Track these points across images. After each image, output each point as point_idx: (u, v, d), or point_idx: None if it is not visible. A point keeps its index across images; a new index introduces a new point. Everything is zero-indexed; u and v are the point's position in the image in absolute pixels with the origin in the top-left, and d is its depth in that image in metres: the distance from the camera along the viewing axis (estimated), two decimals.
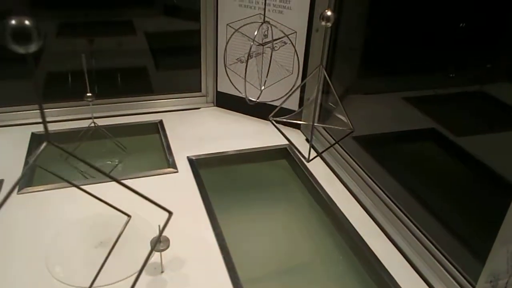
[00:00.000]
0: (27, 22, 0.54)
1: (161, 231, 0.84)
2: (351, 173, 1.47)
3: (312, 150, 1.18)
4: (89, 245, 1.15)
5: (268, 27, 1.59)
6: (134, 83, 1.98)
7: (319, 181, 1.46)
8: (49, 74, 2.00)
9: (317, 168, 1.52)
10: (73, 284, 1.02)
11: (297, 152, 1.50)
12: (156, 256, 1.09)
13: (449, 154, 1.26)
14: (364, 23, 1.61)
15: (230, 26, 1.70)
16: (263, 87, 1.67)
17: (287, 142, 1.65)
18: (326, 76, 1.17)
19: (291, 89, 1.60)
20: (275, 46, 1.64)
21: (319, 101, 1.64)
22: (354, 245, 1.22)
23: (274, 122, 1.24)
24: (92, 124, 1.59)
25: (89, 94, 1.50)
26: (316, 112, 1.66)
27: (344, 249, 1.26)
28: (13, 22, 0.53)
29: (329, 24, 1.06)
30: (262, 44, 1.65)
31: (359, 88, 1.70)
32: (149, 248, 1.01)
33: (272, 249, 1.30)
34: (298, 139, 1.68)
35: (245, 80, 1.56)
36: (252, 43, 1.61)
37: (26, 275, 1.05)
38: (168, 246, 1.03)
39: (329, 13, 1.05)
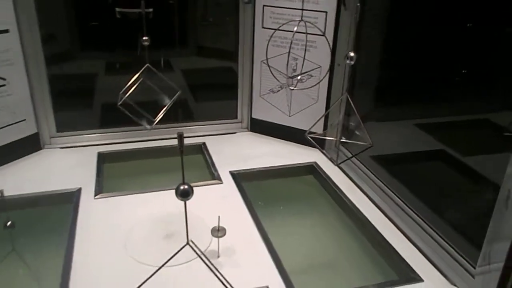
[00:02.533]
0: (187, 187, 1.00)
1: (218, 226, 1.10)
2: (370, 184, 1.72)
3: (322, 156, 1.45)
4: (157, 236, 1.41)
5: (296, 63, 1.89)
6: (179, 112, 2.30)
7: (343, 190, 1.71)
8: (106, 106, 2.34)
9: (340, 180, 1.78)
10: (146, 263, 1.27)
11: (326, 157, 1.76)
12: (214, 244, 1.34)
13: (456, 170, 1.50)
14: (378, 60, 1.91)
15: (263, 63, 2.01)
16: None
17: (313, 160, 1.92)
18: (350, 99, 1.45)
19: (325, 113, 1.87)
20: (302, 79, 1.93)
21: (341, 122, 1.92)
22: (375, 243, 1.46)
23: (309, 137, 1.50)
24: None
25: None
26: (338, 131, 1.93)
27: (366, 246, 1.49)
28: (181, 187, 1.01)
29: (352, 63, 1.35)
30: (291, 77, 1.95)
31: (375, 115, 1.97)
32: (210, 237, 1.28)
33: (306, 247, 1.54)
34: (322, 158, 1.94)
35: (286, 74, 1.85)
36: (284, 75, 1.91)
37: (108, 257, 1.31)
38: (225, 234, 1.29)
39: (352, 54, 1.33)
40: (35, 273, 1.35)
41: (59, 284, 1.20)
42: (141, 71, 1.55)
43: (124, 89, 1.49)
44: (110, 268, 1.26)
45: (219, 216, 1.29)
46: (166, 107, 1.59)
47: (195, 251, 1.06)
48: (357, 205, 1.62)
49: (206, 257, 1.08)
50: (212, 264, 1.07)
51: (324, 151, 1.98)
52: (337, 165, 1.40)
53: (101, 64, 2.55)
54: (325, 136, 1.76)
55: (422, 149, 1.69)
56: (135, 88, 1.49)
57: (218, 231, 1.29)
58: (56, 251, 1.35)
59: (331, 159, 1.45)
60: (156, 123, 2.06)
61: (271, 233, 1.44)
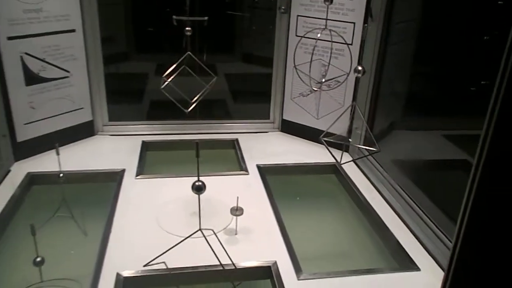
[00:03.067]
0: (201, 183, 1.18)
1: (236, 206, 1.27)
2: (386, 185, 1.83)
3: (345, 158, 1.57)
4: (185, 213, 1.60)
5: (325, 69, 2.04)
6: (218, 111, 2.52)
7: (360, 189, 1.83)
8: (153, 102, 2.60)
9: (359, 180, 1.90)
10: (173, 233, 1.47)
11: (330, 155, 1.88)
12: (232, 223, 1.52)
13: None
14: (405, 71, 2.01)
15: (296, 68, 2.17)
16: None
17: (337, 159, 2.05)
18: (358, 108, 1.58)
19: (334, 121, 2.00)
20: (330, 84, 2.07)
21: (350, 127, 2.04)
22: (384, 238, 1.57)
23: (323, 141, 1.65)
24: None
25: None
26: (361, 136, 2.05)
27: (376, 240, 1.60)
28: (196, 183, 1.18)
29: (359, 75, 1.47)
30: (320, 83, 2.10)
31: (404, 124, 2.08)
32: (230, 217, 1.46)
33: (320, 237, 1.67)
34: (345, 158, 2.06)
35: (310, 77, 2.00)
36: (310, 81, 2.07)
37: (141, 226, 1.51)
38: (242, 213, 1.46)
39: (360, 67, 1.46)
40: (81, 234, 1.59)
41: (100, 243, 1.42)
42: (182, 58, 1.72)
43: (166, 73, 1.68)
44: (142, 235, 1.47)
45: (237, 197, 1.46)
46: (202, 92, 1.76)
47: (205, 237, 1.24)
48: (371, 203, 1.73)
49: (218, 240, 1.26)
50: (222, 245, 1.24)
51: (348, 153, 2.11)
52: (340, 165, 1.53)
53: (152, 65, 2.83)
54: (337, 140, 1.87)
55: (445, 158, 1.77)
56: (176, 74, 1.67)
57: (236, 210, 1.46)
58: (99, 218, 1.58)
59: (335, 159, 1.58)
60: (195, 118, 2.29)
61: (286, 220, 1.59)
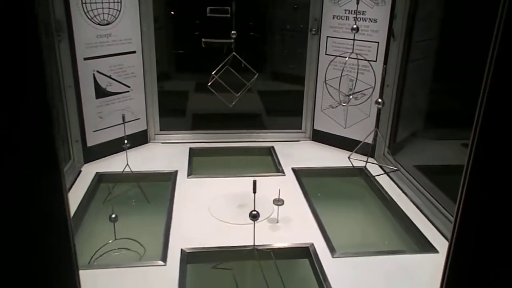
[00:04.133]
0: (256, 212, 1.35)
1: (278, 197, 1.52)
2: (408, 184, 2.05)
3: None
4: (232, 205, 1.86)
5: (353, 83, 2.30)
6: (254, 122, 2.80)
7: (385, 188, 2.05)
8: (195, 115, 2.90)
9: (383, 181, 2.12)
10: (225, 220, 1.73)
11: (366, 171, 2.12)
12: (274, 213, 1.76)
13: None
14: (426, 87, 2.24)
15: (326, 83, 2.44)
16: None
17: (363, 165, 2.28)
18: (379, 134, 1.82)
19: (357, 147, 2.25)
20: (357, 96, 2.32)
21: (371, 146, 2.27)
22: (406, 228, 1.78)
23: (350, 159, 1.89)
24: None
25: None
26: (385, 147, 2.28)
27: (398, 230, 1.82)
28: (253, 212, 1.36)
29: (380, 107, 1.72)
30: (348, 95, 2.35)
31: (424, 134, 2.31)
32: (272, 209, 1.70)
33: (350, 226, 1.90)
34: (370, 164, 2.30)
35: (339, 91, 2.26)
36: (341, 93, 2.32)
37: (196, 216, 1.78)
38: (283, 203, 1.71)
39: (380, 100, 1.71)
40: (146, 225, 1.87)
41: (163, 233, 1.68)
42: (227, 59, 1.99)
43: (214, 72, 1.93)
44: (197, 223, 1.74)
45: (279, 189, 1.72)
46: (245, 88, 2.00)
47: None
48: (395, 199, 1.95)
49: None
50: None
51: (374, 158, 2.34)
52: (373, 177, 1.76)
53: (192, 84, 3.16)
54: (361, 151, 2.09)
55: (461, 163, 1.98)
56: (221, 72, 1.92)
57: (278, 201, 1.72)
58: (161, 209, 1.85)
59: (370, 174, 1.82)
60: (236, 128, 2.57)
61: (319, 212, 1.83)
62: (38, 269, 0.91)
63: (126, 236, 1.74)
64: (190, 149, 2.44)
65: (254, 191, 1.38)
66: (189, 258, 1.52)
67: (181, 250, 1.54)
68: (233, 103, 2.10)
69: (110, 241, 1.73)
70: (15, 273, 0.90)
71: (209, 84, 2.10)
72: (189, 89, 3.17)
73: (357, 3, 2.01)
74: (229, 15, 2.81)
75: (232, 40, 2.04)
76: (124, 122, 1.86)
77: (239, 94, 2.10)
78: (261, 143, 2.58)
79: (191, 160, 2.31)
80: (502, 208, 0.83)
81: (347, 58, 2.05)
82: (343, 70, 2.21)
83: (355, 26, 1.93)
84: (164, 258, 1.50)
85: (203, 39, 2.99)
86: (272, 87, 3.20)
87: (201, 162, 2.35)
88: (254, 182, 1.36)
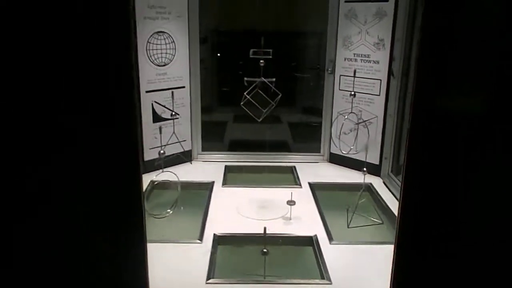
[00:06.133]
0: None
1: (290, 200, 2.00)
2: None
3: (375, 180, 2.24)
4: (256, 207, 2.34)
5: (361, 113, 2.75)
6: (281, 148, 3.29)
7: (386, 202, 2.45)
8: (232, 140, 3.43)
9: (387, 197, 2.52)
10: (250, 217, 2.20)
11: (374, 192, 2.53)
12: (287, 213, 2.22)
13: None
14: None
15: (339, 113, 2.91)
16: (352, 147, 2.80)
17: (370, 182, 2.69)
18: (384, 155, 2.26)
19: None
20: (365, 125, 2.77)
21: (390, 159, 2.68)
22: None
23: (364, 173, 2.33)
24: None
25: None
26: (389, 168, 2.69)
27: (392, 232, 2.20)
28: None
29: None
30: (357, 123, 2.80)
31: None
32: (286, 209, 2.16)
33: (351, 229, 2.31)
34: (377, 181, 2.71)
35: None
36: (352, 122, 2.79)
37: (227, 214, 2.27)
38: (295, 203, 2.17)
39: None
40: (186, 219, 2.37)
41: (201, 222, 2.18)
42: (256, 82, 2.47)
43: (246, 93, 2.42)
44: (228, 220, 2.22)
45: (291, 192, 2.18)
46: (270, 106, 2.47)
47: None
48: (392, 209, 2.35)
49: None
50: None
51: (380, 177, 2.75)
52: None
53: (231, 116, 3.72)
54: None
55: None
56: (252, 93, 2.41)
57: (290, 202, 2.18)
58: (198, 213, 2.35)
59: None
60: (263, 151, 3.07)
61: (326, 215, 2.26)
62: (120, 235, 1.43)
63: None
64: (225, 166, 2.96)
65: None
66: (220, 240, 2.00)
67: (214, 234, 2.03)
68: (261, 118, 2.61)
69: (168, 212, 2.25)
70: (104, 238, 1.44)
71: (242, 103, 2.64)
72: (228, 120, 3.75)
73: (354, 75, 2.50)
74: (270, 57, 3.36)
75: (274, 79, 2.51)
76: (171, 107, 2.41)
77: (266, 110, 2.60)
78: (285, 163, 3.06)
79: (225, 175, 2.82)
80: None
81: (352, 93, 2.53)
82: (352, 102, 2.69)
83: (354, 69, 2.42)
84: (201, 239, 1.99)
85: (245, 78, 3.57)
86: (298, 118, 3.71)
87: (234, 176, 2.85)
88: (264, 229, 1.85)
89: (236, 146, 3.30)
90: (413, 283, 1.50)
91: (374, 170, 2.77)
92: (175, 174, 2.46)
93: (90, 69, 1.27)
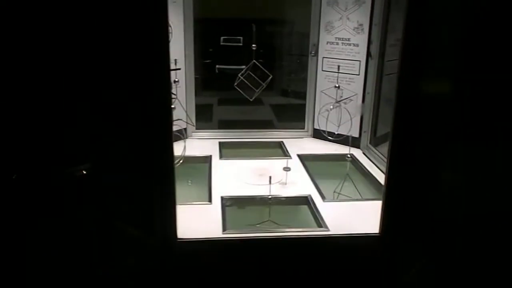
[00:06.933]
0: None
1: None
2: (384, 164, 2.77)
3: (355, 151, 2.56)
4: (255, 174, 2.61)
5: (342, 91, 3.06)
6: (267, 125, 3.57)
7: (368, 169, 2.78)
8: (220, 120, 3.67)
9: (367, 164, 2.85)
10: (250, 183, 2.47)
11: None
12: (283, 178, 2.50)
13: None
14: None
15: (322, 92, 3.21)
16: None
17: (351, 153, 3.01)
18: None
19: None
20: (345, 102, 3.08)
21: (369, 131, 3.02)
22: (377, 187, 2.50)
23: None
24: None
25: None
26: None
27: (374, 192, 2.53)
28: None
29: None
30: (338, 101, 3.10)
31: None
32: (282, 175, 2.44)
33: (338, 190, 2.62)
34: (358, 152, 3.03)
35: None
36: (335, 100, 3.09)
37: (228, 180, 2.52)
38: (290, 169, 2.45)
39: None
40: (193, 187, 2.61)
41: (207, 193, 2.42)
42: (249, 65, 2.72)
43: (239, 75, 2.66)
44: (229, 185, 2.48)
45: (287, 160, 2.46)
46: (261, 87, 2.73)
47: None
48: (373, 173, 2.68)
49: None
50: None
51: (360, 148, 3.08)
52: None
53: (215, 99, 3.95)
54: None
55: None
56: (245, 75, 2.67)
57: (286, 168, 2.46)
58: (203, 181, 2.60)
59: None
60: (254, 128, 3.34)
61: (316, 179, 2.56)
62: (154, 190, 1.68)
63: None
64: (219, 142, 3.20)
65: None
66: (226, 201, 2.26)
67: (221, 197, 2.29)
68: (253, 97, 2.87)
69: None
70: (140, 200, 1.70)
71: (235, 84, 2.89)
72: (213, 103, 3.97)
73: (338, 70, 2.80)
74: (241, 44, 3.58)
75: (243, 67, 2.77)
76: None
77: (258, 90, 2.87)
78: (273, 139, 3.34)
79: (221, 149, 3.06)
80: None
81: (337, 73, 2.84)
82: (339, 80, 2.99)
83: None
84: (210, 201, 2.25)
85: (217, 66, 3.79)
86: (281, 100, 3.99)
87: (228, 151, 3.11)
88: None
89: (225, 126, 3.54)
90: (399, 224, 1.82)
91: (354, 142, 3.09)
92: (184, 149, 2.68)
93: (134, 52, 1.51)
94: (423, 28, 1.58)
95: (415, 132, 1.67)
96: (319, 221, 2.08)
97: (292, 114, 3.62)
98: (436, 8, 1.57)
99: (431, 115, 1.66)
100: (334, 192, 2.51)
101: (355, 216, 2.14)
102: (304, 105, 3.41)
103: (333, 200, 2.31)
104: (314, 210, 2.20)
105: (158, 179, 1.70)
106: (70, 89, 1.54)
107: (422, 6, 1.54)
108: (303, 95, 3.42)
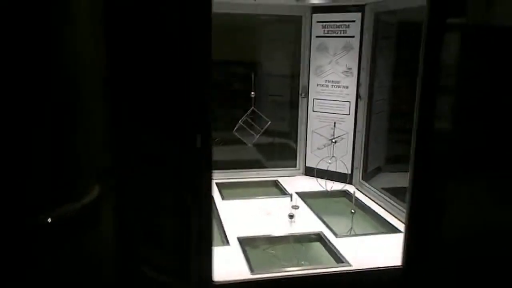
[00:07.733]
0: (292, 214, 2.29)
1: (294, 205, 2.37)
2: (379, 198, 2.93)
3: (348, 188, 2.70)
4: (262, 213, 2.66)
5: (334, 129, 3.23)
6: (258, 165, 3.65)
7: (363, 201, 2.92)
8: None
9: (363, 198, 2.99)
10: (261, 221, 2.52)
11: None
12: (291, 214, 2.58)
13: None
14: (385, 131, 3.21)
15: (314, 132, 3.36)
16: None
17: (346, 189, 3.15)
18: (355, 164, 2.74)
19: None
20: (337, 140, 3.24)
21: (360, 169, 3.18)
22: (383, 224, 2.63)
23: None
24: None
25: None
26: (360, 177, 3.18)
27: (376, 228, 2.66)
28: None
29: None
30: (331, 140, 3.26)
31: (388, 167, 3.22)
32: (290, 210, 2.53)
33: (344, 225, 2.72)
34: (352, 188, 3.18)
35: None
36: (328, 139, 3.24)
37: (237, 222, 2.56)
38: (298, 207, 2.53)
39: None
40: None
41: (223, 235, 2.44)
42: (248, 112, 2.83)
43: (239, 121, 2.76)
44: (242, 226, 2.51)
45: (295, 199, 2.54)
46: (261, 131, 2.84)
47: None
48: (371, 206, 2.82)
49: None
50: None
51: (352, 184, 3.23)
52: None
53: None
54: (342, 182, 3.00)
55: None
56: (243, 121, 2.77)
57: (295, 206, 2.54)
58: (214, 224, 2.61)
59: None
60: (244, 168, 3.41)
61: (322, 215, 2.66)
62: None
63: None
64: (216, 183, 3.23)
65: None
66: (243, 241, 2.29)
67: (237, 238, 2.32)
68: (253, 142, 2.96)
69: None
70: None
71: (234, 130, 2.98)
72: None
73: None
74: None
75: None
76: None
77: (258, 135, 2.98)
78: (269, 178, 3.42)
79: (220, 191, 3.10)
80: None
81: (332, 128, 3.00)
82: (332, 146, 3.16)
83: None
84: (227, 242, 2.27)
85: (197, 135, 3.85)
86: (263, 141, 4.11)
87: (228, 192, 3.14)
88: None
89: (215, 166, 3.57)
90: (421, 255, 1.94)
91: (346, 178, 3.24)
92: None
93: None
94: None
95: (433, 166, 1.83)
96: (338, 257, 2.16)
97: (280, 153, 3.73)
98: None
99: (446, 149, 1.84)
100: (351, 228, 2.60)
101: (372, 250, 2.24)
102: (288, 144, 3.55)
103: (346, 235, 2.41)
104: (330, 246, 2.28)
105: (195, 218, 1.73)
106: None
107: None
108: (284, 134, 3.57)
